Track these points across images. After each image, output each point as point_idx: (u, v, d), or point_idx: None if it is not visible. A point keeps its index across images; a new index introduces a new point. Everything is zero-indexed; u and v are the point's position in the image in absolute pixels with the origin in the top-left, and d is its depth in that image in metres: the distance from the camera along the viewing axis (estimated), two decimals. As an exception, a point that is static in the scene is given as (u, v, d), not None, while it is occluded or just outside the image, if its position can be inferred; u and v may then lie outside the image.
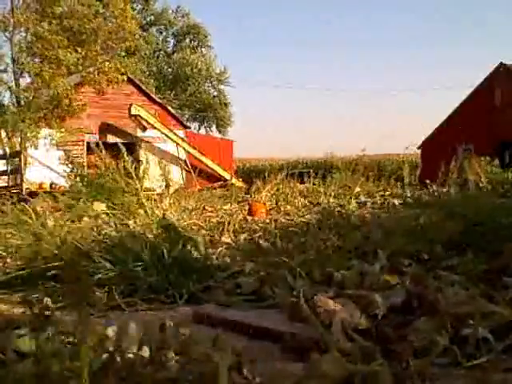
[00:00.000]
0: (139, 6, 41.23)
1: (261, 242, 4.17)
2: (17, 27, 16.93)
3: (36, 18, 16.62)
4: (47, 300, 2.57)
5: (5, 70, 17.57)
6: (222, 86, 41.67)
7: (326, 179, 9.36)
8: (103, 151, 7.00)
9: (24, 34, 17.22)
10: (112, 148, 8.06)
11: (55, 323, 1.71)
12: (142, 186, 5.89)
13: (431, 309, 2.01)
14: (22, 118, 16.41)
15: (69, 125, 19.07)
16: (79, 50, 16.74)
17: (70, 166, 7.33)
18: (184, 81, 40.04)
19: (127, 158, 6.18)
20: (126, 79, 18.92)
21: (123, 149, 6.39)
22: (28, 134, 16.74)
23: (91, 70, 16.94)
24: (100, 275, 3.12)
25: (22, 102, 17.45)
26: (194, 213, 6.48)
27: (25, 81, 17.77)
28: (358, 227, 4.30)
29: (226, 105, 41.75)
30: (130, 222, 4.78)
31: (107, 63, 16.97)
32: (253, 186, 9.32)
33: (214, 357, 1.45)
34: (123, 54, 18.81)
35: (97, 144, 7.37)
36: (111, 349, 1.62)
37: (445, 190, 6.85)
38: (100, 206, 5.36)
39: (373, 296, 2.15)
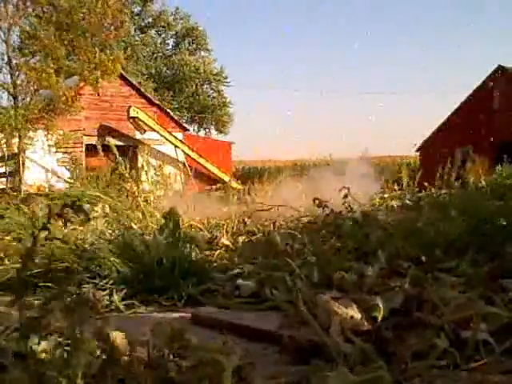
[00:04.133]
0: (138, 7, 41.31)
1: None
2: (11, 28, 16.92)
3: (25, 14, 16.59)
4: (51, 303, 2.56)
5: (0, 71, 17.54)
6: (220, 87, 41.80)
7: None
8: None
9: (18, 35, 17.20)
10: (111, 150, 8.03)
11: (49, 325, 1.71)
12: (140, 189, 5.89)
13: (430, 311, 2.01)
14: (19, 119, 16.37)
15: (67, 127, 19.06)
16: (70, 47, 16.70)
17: (71, 167, 7.34)
18: (183, 82, 40.10)
19: (121, 161, 6.17)
20: (120, 69, 18.76)
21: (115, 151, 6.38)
22: (26, 136, 16.71)
23: (85, 64, 16.82)
24: (100, 278, 3.12)
25: (20, 104, 17.42)
26: (192, 215, 6.47)
27: (22, 81, 17.72)
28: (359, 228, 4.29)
29: (225, 104, 41.80)
30: (131, 224, 4.78)
31: (97, 55, 16.85)
32: (252, 188, 9.30)
33: (220, 360, 1.46)
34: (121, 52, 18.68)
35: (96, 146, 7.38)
36: (109, 351, 1.62)
37: (443, 191, 6.86)
38: (101, 209, 5.36)
39: (372, 298, 2.15)
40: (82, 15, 16.48)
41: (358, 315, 1.98)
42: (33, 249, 1.60)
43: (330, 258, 3.38)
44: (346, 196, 4.68)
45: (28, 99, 17.49)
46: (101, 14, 16.56)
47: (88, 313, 1.61)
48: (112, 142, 6.71)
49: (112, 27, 17.01)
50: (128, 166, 6.26)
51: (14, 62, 16.94)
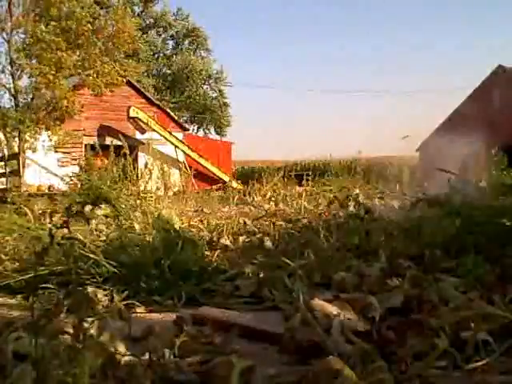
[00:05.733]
0: (139, 8, 41.31)
1: (265, 240, 4.15)
2: (15, 29, 16.92)
3: (34, 19, 16.60)
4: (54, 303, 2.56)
5: (2, 71, 17.54)
6: (221, 87, 41.83)
7: (324, 181, 9.34)
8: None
9: (22, 36, 17.21)
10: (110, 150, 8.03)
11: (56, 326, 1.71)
12: (141, 189, 5.89)
13: (430, 311, 2.01)
14: (20, 119, 16.38)
15: (67, 127, 19.05)
16: (77, 52, 16.75)
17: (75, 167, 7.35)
18: (183, 82, 40.10)
19: (124, 160, 6.18)
20: (124, 81, 18.92)
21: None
22: (27, 137, 16.72)
23: (91, 72, 16.91)
24: (100, 278, 3.12)
25: (21, 104, 17.42)
26: (192, 215, 6.48)
27: (23, 82, 17.73)
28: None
29: (225, 105, 41.82)
30: (130, 225, 4.77)
31: (106, 65, 16.94)
32: (251, 188, 9.30)
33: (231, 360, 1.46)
34: (122, 55, 18.83)
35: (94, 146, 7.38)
36: (110, 351, 1.62)
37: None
38: (100, 209, 5.34)
39: (367, 297, 2.15)
40: (92, 26, 16.59)
41: (354, 317, 1.98)
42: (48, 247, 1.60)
43: (330, 257, 3.38)
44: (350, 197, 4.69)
45: (29, 100, 17.51)
46: (115, 31, 16.66)
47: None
48: (120, 142, 6.74)
49: (127, 36, 17.12)
50: (130, 165, 6.27)
51: (19, 63, 16.95)
